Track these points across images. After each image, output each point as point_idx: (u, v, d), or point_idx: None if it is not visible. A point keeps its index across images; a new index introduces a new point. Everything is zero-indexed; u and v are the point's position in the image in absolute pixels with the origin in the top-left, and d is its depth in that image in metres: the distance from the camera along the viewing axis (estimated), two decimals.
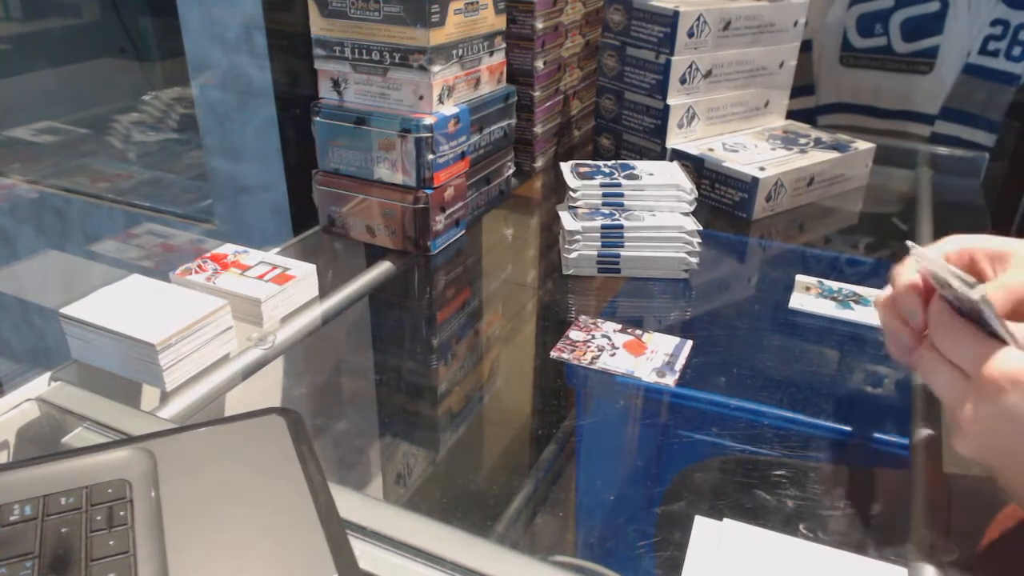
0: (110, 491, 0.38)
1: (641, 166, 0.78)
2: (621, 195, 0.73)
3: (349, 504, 0.41)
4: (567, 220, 0.73)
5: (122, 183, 1.44)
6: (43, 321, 1.48)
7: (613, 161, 0.79)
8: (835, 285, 0.70)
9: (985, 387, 0.38)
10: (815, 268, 0.74)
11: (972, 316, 0.40)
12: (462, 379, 0.63)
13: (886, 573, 0.40)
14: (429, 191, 0.73)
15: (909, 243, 0.43)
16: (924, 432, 0.52)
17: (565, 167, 0.77)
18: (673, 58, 0.85)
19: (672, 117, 0.88)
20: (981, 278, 0.45)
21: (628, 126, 0.94)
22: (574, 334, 0.63)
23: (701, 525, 0.43)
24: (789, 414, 0.55)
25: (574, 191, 0.73)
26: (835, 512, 0.46)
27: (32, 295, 1.48)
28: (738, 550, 0.41)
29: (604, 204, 0.73)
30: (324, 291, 0.67)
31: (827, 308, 0.67)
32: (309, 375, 0.64)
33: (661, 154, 0.90)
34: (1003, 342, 0.38)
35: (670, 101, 0.87)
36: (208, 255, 0.66)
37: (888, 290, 0.46)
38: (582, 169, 0.76)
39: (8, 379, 0.56)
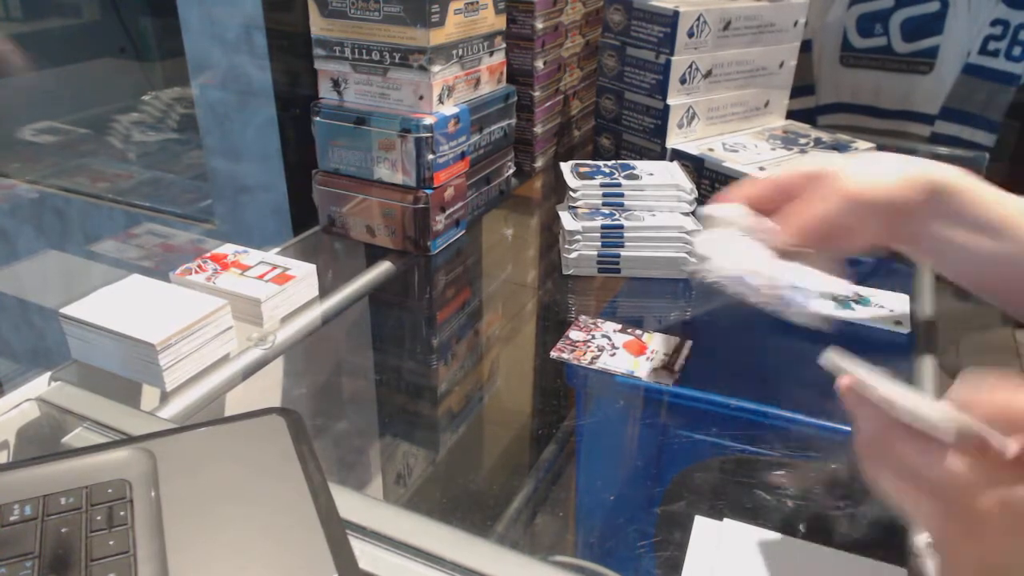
0: (110, 491, 0.38)
1: (641, 166, 0.78)
2: (621, 195, 0.73)
3: (349, 504, 0.41)
4: (567, 220, 0.73)
5: (122, 183, 1.44)
6: (43, 321, 1.48)
7: (613, 161, 0.79)
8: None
9: (975, 521, 0.30)
10: None
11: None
12: (462, 379, 0.63)
13: (886, 573, 0.40)
14: (429, 191, 0.73)
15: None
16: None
17: (565, 167, 0.77)
18: (673, 58, 0.85)
19: (672, 117, 0.88)
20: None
21: (628, 126, 0.94)
22: (574, 334, 0.63)
23: (701, 525, 0.43)
24: (789, 414, 0.55)
25: (574, 191, 0.73)
26: (835, 512, 0.46)
27: (32, 295, 1.48)
28: (738, 550, 0.41)
29: (604, 204, 0.73)
30: (324, 291, 0.67)
31: (827, 308, 0.67)
32: (309, 375, 0.64)
33: (661, 154, 0.90)
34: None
35: (670, 101, 0.87)
36: (208, 255, 0.66)
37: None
38: (582, 169, 0.76)
39: (8, 379, 0.56)
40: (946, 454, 0.31)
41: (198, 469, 0.40)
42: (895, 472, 0.33)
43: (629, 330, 0.64)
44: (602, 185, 0.73)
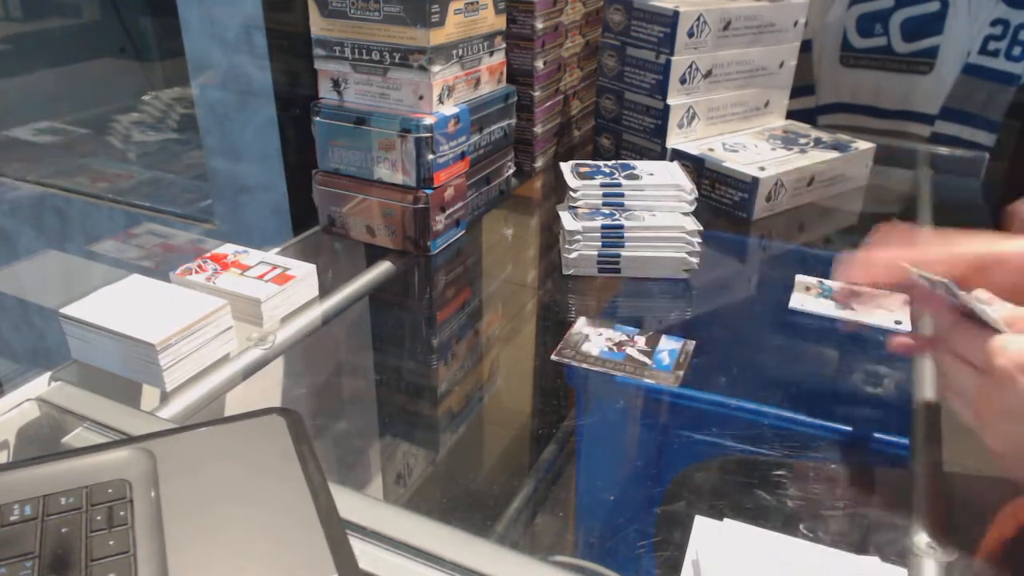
0: (110, 491, 0.38)
1: (641, 166, 0.77)
2: (621, 195, 0.73)
3: (349, 504, 0.41)
4: (567, 220, 0.73)
5: (122, 183, 1.44)
6: (43, 321, 1.48)
7: (613, 161, 0.79)
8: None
9: (997, 378, 0.39)
10: (815, 268, 0.74)
11: (971, 314, 0.42)
12: (462, 379, 0.63)
13: (886, 573, 0.40)
14: (429, 191, 0.73)
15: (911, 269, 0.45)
16: (924, 432, 0.52)
17: (565, 167, 0.77)
18: (673, 58, 0.85)
19: (672, 117, 0.88)
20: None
21: (628, 126, 0.94)
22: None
23: (701, 525, 0.43)
24: (789, 414, 0.55)
25: (574, 191, 0.73)
26: (835, 512, 0.46)
27: (32, 295, 1.48)
28: (738, 550, 0.41)
29: (604, 204, 0.73)
30: (324, 291, 0.67)
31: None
32: (309, 375, 0.64)
33: (661, 154, 0.90)
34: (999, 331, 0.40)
35: (670, 101, 0.87)
36: (208, 255, 0.66)
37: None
38: (582, 169, 0.76)
39: (8, 379, 0.56)
40: (993, 334, 0.40)
41: (198, 469, 0.40)
42: (957, 351, 0.43)
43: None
44: (602, 185, 0.73)
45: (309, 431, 0.43)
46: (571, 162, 0.78)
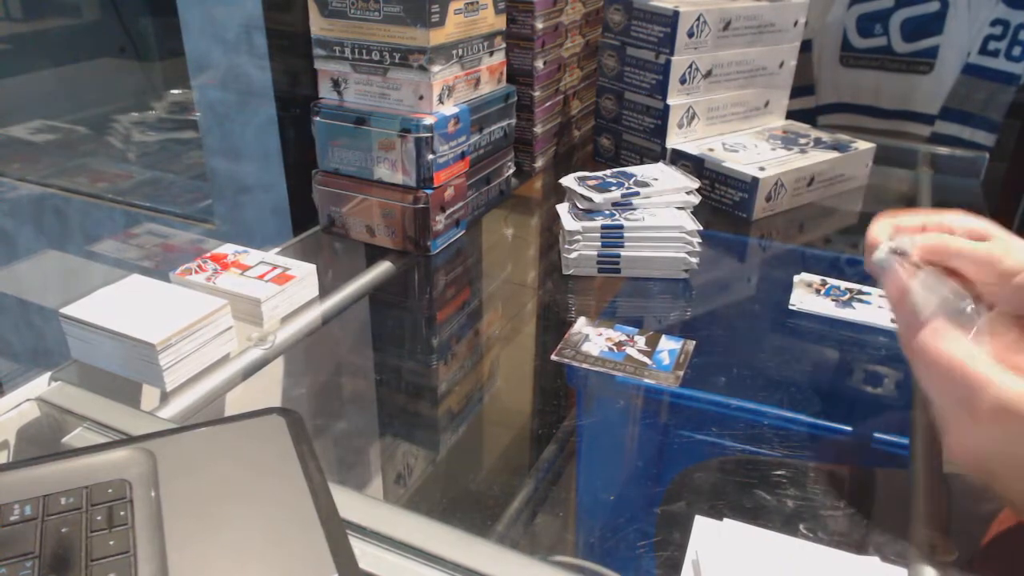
0: (110, 491, 0.38)
1: (643, 172, 0.77)
2: (622, 233, 0.72)
3: (349, 504, 0.41)
4: (567, 220, 0.73)
5: (122, 183, 1.44)
6: (43, 321, 1.48)
7: (616, 170, 0.78)
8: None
9: (975, 417, 0.37)
10: (815, 268, 0.74)
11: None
12: (462, 379, 0.63)
13: (886, 573, 0.40)
14: (429, 191, 0.73)
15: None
16: (924, 432, 0.52)
17: (571, 180, 0.75)
18: (673, 58, 0.85)
19: (672, 117, 0.88)
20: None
21: (628, 126, 0.94)
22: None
23: (701, 525, 0.43)
24: (789, 414, 0.55)
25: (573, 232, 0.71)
26: (835, 512, 0.46)
27: (32, 295, 1.48)
28: (738, 550, 0.41)
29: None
30: (324, 291, 0.67)
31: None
32: (309, 375, 0.64)
33: (661, 154, 0.90)
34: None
35: (670, 101, 0.87)
36: (208, 255, 0.66)
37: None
38: (590, 182, 0.75)
39: (8, 379, 0.56)
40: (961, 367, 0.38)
41: (198, 469, 0.40)
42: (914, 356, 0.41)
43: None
44: (602, 227, 0.72)
45: (309, 431, 0.43)
46: (576, 175, 0.77)
